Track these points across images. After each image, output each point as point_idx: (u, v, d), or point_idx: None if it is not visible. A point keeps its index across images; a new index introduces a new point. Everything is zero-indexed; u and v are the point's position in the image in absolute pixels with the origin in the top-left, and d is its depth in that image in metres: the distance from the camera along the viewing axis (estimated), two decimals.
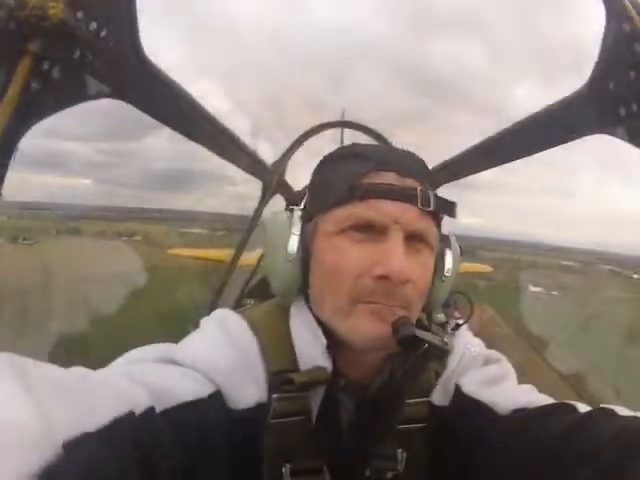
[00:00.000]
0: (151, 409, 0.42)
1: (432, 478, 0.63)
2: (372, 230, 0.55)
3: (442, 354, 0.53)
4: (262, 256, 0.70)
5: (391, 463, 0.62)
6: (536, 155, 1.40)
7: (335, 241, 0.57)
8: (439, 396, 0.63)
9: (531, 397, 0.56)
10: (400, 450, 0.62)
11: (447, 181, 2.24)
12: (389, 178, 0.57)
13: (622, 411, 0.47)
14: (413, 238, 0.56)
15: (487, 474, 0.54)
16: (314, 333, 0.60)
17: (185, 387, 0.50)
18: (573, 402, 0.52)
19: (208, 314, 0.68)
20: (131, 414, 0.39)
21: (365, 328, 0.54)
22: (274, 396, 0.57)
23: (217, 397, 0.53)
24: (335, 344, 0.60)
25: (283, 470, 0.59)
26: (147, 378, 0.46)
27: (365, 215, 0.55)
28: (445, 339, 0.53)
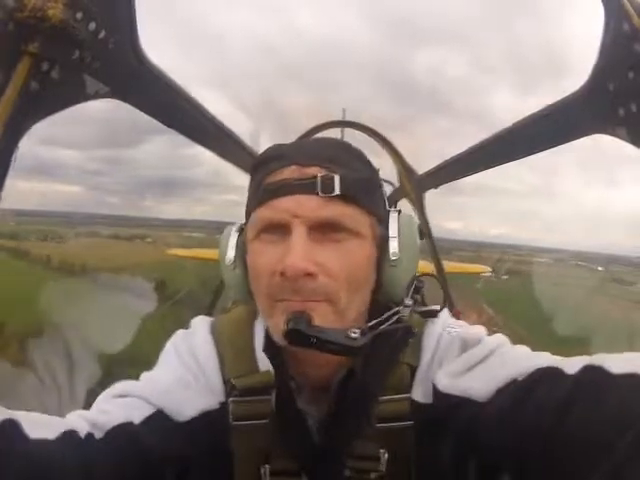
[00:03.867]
0: (91, 436, 0.52)
1: (420, 478, 0.61)
2: (277, 230, 0.56)
3: (343, 350, 0.51)
4: None
5: (372, 463, 0.60)
6: None
7: (253, 246, 0.59)
8: (421, 393, 0.61)
9: (518, 367, 0.52)
10: (382, 450, 0.60)
11: (448, 181, 2.24)
12: (288, 173, 0.57)
13: (612, 363, 0.43)
14: (326, 228, 0.55)
15: (482, 468, 0.53)
16: (261, 337, 0.63)
17: (114, 415, 0.55)
18: (558, 364, 0.48)
19: (208, 312, 0.71)
20: (74, 432, 0.49)
21: (280, 326, 0.54)
22: (229, 400, 0.61)
23: (155, 417, 0.57)
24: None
25: (262, 470, 0.60)
26: (88, 414, 0.55)
27: (267, 216, 0.56)
28: (353, 335, 0.51)
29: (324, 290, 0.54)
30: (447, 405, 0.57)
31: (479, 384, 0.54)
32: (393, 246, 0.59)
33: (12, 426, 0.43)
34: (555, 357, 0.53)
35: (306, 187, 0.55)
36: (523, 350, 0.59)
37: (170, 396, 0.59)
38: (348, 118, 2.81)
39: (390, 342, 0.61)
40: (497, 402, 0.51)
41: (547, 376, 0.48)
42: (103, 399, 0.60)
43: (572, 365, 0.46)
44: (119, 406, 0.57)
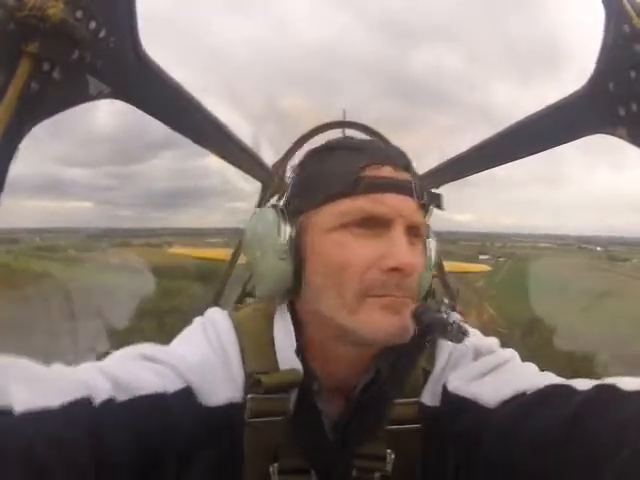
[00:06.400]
0: (112, 399, 0.46)
1: (424, 479, 0.62)
2: (373, 224, 0.55)
3: (464, 335, 0.53)
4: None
5: (378, 463, 0.61)
6: None
7: (336, 236, 0.56)
8: (430, 396, 0.62)
9: (529, 381, 0.54)
10: (389, 451, 0.61)
11: (449, 181, 2.24)
12: (386, 172, 0.57)
13: (625, 384, 0.44)
14: (410, 230, 0.57)
15: (486, 472, 0.53)
16: (289, 336, 0.61)
17: (148, 381, 0.51)
18: (570, 382, 0.50)
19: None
20: (87, 399, 0.43)
21: (379, 322, 0.54)
22: (248, 396, 0.59)
23: (186, 393, 0.54)
24: (318, 346, 0.61)
25: (270, 469, 0.59)
26: (113, 370, 0.49)
27: (369, 208, 0.55)
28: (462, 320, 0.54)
29: (414, 288, 0.57)
30: (454, 406, 0.57)
31: (489, 391, 0.55)
32: (433, 253, 0.67)
33: None
34: (562, 379, 0.54)
35: (407, 190, 0.57)
36: (532, 367, 0.60)
37: (201, 375, 0.56)
38: (348, 118, 2.80)
39: (413, 346, 0.61)
40: (505, 411, 0.52)
41: (559, 391, 0.49)
42: (126, 356, 0.56)
43: (583, 384, 0.48)
44: (149, 370, 0.53)
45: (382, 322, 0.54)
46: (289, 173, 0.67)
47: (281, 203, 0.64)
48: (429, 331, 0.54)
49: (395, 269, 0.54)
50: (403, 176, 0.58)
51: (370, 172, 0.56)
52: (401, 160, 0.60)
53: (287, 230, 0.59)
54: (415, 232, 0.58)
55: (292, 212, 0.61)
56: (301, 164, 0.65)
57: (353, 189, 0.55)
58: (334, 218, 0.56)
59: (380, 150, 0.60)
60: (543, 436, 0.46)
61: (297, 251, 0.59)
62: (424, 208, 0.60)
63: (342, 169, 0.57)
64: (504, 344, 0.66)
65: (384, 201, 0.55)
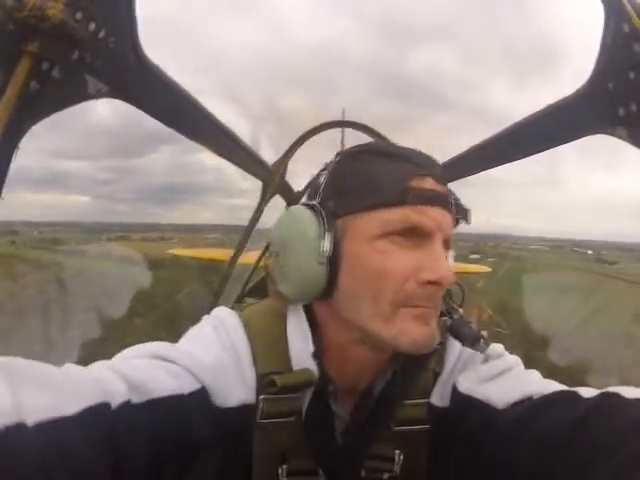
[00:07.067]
0: (128, 402, 0.45)
1: (431, 479, 0.63)
2: (413, 234, 0.56)
3: (488, 345, 0.58)
4: (267, 256, 0.68)
5: (387, 464, 0.62)
6: None
7: (379, 244, 0.56)
8: (439, 397, 0.63)
9: (535, 387, 0.55)
10: (398, 451, 0.62)
11: (448, 181, 2.24)
12: (430, 183, 0.57)
13: (627, 392, 0.46)
14: (444, 243, 0.58)
15: (493, 472, 0.54)
16: (305, 337, 0.61)
17: (164, 382, 0.50)
18: (575, 389, 0.52)
19: (208, 312, 0.69)
20: (105, 404, 0.42)
21: (413, 332, 0.55)
22: (261, 397, 0.58)
23: (200, 394, 0.53)
24: (336, 349, 0.61)
25: (279, 470, 0.59)
26: (127, 371, 0.48)
27: (414, 219, 0.55)
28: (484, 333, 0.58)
29: (441, 299, 0.59)
30: (465, 406, 0.59)
31: (498, 393, 0.57)
32: (452, 264, 0.65)
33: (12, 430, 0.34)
34: (565, 386, 0.56)
35: (448, 204, 0.58)
36: (536, 374, 0.62)
37: (215, 376, 0.56)
38: (348, 118, 2.80)
39: None
40: (513, 412, 0.53)
41: (565, 397, 0.51)
42: (137, 355, 0.55)
43: (588, 392, 0.50)
44: (163, 370, 0.52)
45: (415, 332, 0.55)
46: (321, 173, 0.64)
47: (314, 204, 0.61)
48: (462, 342, 0.59)
49: (433, 282, 0.54)
50: (443, 190, 0.59)
51: (416, 183, 0.56)
52: (439, 171, 0.60)
53: (329, 234, 0.58)
54: (446, 245, 0.59)
55: (329, 215, 0.59)
56: (342, 167, 0.63)
57: (402, 199, 0.55)
58: (378, 226, 0.56)
59: (422, 160, 0.60)
60: (549, 437, 0.47)
61: (335, 255, 0.58)
62: (456, 222, 0.61)
63: (388, 177, 0.56)
64: (504, 343, 0.68)
65: (428, 213, 0.56)
